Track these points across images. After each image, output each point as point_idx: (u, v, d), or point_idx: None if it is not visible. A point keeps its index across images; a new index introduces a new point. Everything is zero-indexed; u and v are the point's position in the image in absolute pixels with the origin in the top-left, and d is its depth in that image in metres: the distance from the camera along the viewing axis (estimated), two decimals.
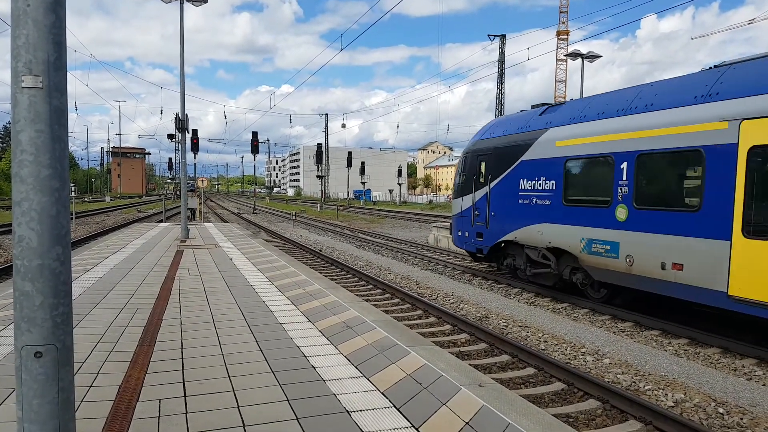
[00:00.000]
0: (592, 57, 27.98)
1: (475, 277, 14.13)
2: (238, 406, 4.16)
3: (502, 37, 43.71)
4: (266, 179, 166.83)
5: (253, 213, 44.86)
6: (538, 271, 11.65)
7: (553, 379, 6.58)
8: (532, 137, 11.61)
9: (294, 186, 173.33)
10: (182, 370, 4.99)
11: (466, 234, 14.20)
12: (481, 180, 13.47)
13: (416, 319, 9.65)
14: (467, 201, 14.14)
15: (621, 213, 9.20)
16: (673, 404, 5.87)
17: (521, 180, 11.86)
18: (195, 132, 22.64)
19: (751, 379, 6.83)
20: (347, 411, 4.10)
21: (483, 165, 13.50)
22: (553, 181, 10.89)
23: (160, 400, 4.25)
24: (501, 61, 43.89)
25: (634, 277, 9.00)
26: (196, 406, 4.16)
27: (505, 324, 9.18)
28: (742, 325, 8.29)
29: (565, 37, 62.22)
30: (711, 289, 7.68)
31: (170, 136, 21.65)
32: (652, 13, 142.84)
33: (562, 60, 63.73)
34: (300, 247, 19.93)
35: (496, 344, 7.87)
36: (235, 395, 4.39)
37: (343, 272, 14.67)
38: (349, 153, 61.95)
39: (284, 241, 22.00)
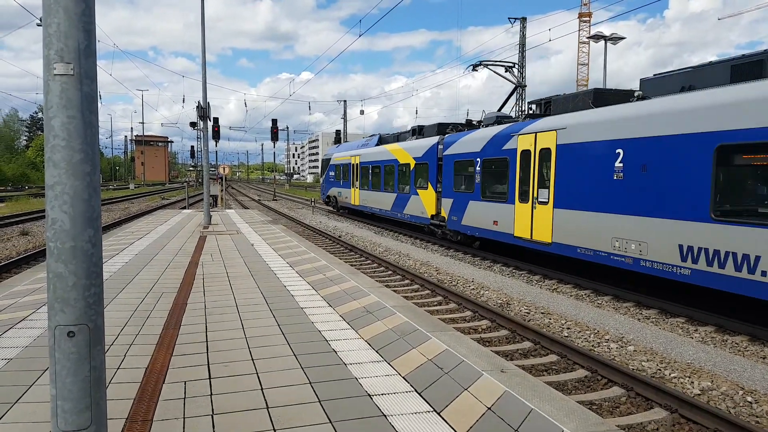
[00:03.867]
0: (615, 39, 27.39)
1: (496, 263, 14.06)
2: (262, 389, 4.23)
3: (523, 20, 42.86)
4: (286, 166, 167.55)
5: (273, 200, 45.20)
6: (334, 206, 30.49)
7: (576, 366, 6.53)
8: (332, 156, 30.54)
9: (313, 173, 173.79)
10: (207, 353, 5.08)
11: (324, 193, 32.94)
12: (325, 171, 32.29)
13: (436, 305, 9.65)
14: (323, 180, 33.36)
15: (342, 183, 28.37)
16: (699, 392, 5.78)
17: (330, 172, 30.69)
18: (216, 120, 22.84)
19: None
20: (369, 394, 4.14)
21: (325, 164, 32.28)
22: (334, 173, 29.78)
23: (185, 382, 4.34)
24: (522, 45, 43.12)
25: (343, 202, 28.34)
26: (220, 388, 4.24)
27: (527, 311, 9.13)
28: None
29: (588, 19, 60.51)
30: (353, 204, 26.68)
31: (192, 125, 21.89)
32: None
33: (584, 43, 62.13)
34: (319, 233, 20.06)
35: (518, 331, 7.85)
36: (258, 378, 4.46)
37: (362, 258, 14.73)
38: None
39: (304, 227, 22.16)
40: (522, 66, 44.26)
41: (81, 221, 2.15)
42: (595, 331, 7.92)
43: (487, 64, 17.82)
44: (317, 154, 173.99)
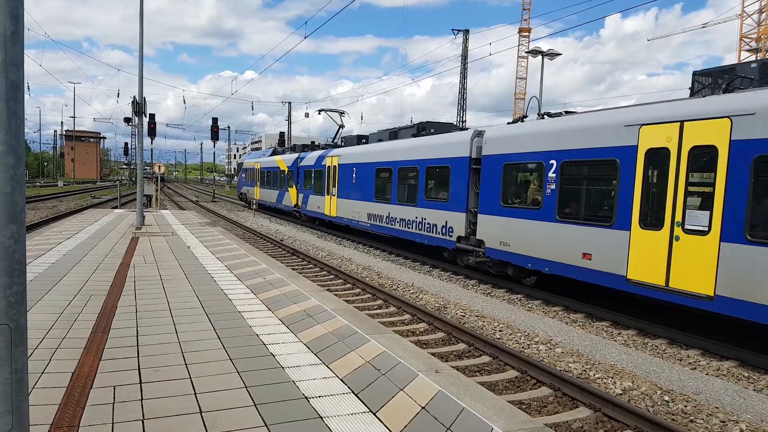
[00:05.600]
0: (552, 55, 28.56)
1: (435, 268, 14.34)
2: (195, 393, 4.14)
3: (466, 32, 44.13)
4: (226, 167, 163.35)
5: (212, 201, 43.90)
6: (246, 202, 36.93)
7: (507, 367, 6.79)
8: (244, 161, 40.85)
9: None
10: (137, 357, 4.91)
11: (239, 191, 41.59)
12: (239, 173, 43.69)
13: (377, 308, 9.74)
14: (238, 180, 43.56)
15: (250, 183, 36.13)
16: (621, 392, 6.14)
17: (243, 174, 39.81)
18: (152, 116, 22.00)
19: (695, 368, 7.18)
20: (306, 397, 4.14)
21: (239, 168, 45.71)
22: (245, 175, 38.43)
23: (114, 387, 4.19)
24: (464, 56, 44.33)
25: (250, 198, 34.78)
26: (151, 393, 4.12)
27: (462, 314, 9.38)
28: (687, 318, 8.74)
29: (527, 34, 62.91)
30: (256, 198, 33.79)
31: (127, 120, 21.03)
32: (616, 12, 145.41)
33: (523, 57, 64.57)
34: (261, 236, 19.72)
35: (453, 333, 8.05)
36: (192, 382, 4.36)
37: (304, 262, 14.62)
38: (312, 143, 60.98)
39: (244, 230, 21.70)
40: (464, 77, 45.47)
41: (3, 216, 2.05)
42: (526, 334, 8.25)
43: (326, 111, 26.93)
44: None
